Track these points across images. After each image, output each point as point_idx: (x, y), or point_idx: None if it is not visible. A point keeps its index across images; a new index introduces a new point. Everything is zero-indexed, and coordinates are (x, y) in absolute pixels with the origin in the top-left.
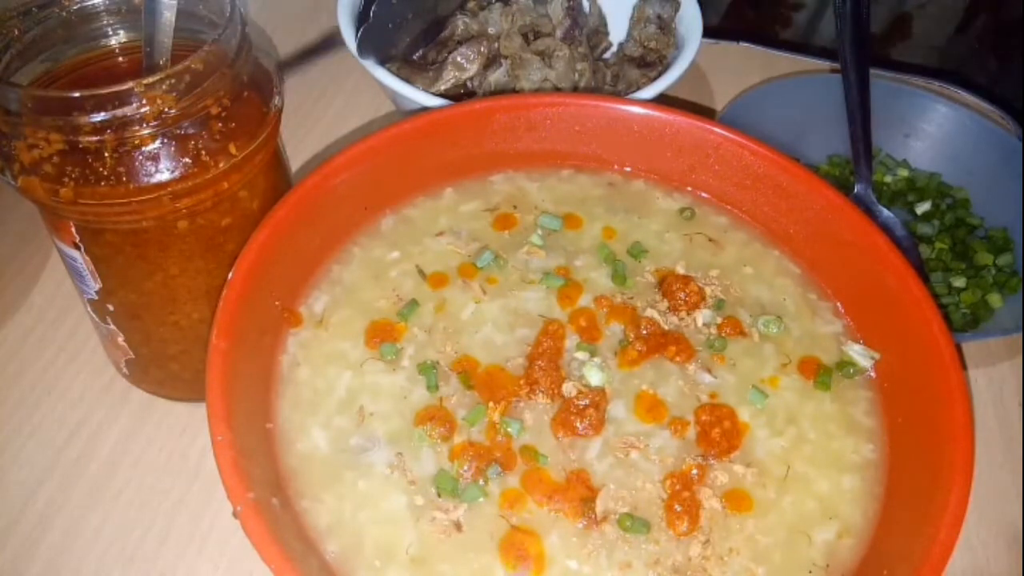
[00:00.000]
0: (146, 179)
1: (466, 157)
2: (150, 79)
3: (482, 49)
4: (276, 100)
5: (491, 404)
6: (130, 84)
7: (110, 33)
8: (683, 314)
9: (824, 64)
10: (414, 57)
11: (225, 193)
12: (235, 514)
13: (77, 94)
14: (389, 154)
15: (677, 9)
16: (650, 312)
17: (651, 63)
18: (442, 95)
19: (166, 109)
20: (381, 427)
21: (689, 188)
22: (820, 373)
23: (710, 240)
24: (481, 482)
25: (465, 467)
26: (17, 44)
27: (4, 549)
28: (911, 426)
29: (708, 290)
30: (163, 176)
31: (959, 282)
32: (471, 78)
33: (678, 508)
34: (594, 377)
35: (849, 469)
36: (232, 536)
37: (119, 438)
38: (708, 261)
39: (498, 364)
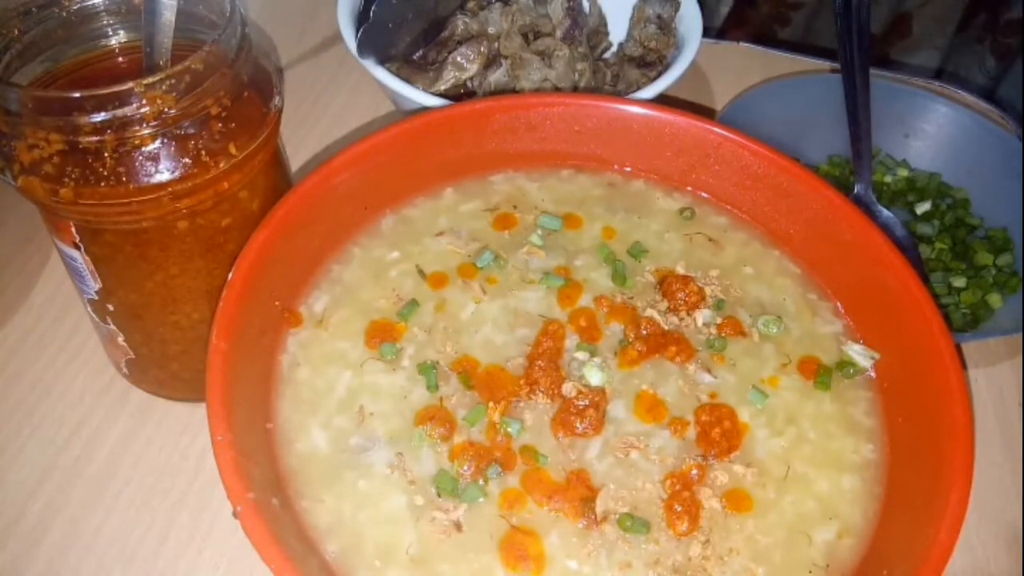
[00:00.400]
0: (146, 179)
1: (466, 157)
2: (150, 79)
3: (482, 49)
4: (276, 100)
5: (491, 404)
6: (130, 84)
7: (110, 33)
8: (683, 314)
9: (824, 64)
10: (414, 57)
11: (225, 193)
12: (235, 514)
13: (77, 94)
14: (389, 154)
15: (677, 9)
16: (650, 312)
17: (651, 63)
18: (442, 95)
19: (166, 109)
20: (381, 427)
21: (689, 188)
22: (820, 373)
23: (710, 240)
24: (481, 482)
25: (465, 467)
26: (17, 44)
27: (4, 549)
28: (911, 426)
29: (708, 290)
30: (163, 176)
31: (959, 282)
32: (471, 78)
33: (678, 508)
34: (594, 377)
35: (849, 469)
36: (232, 536)
37: (119, 438)
38: (708, 261)
39: (498, 364)
